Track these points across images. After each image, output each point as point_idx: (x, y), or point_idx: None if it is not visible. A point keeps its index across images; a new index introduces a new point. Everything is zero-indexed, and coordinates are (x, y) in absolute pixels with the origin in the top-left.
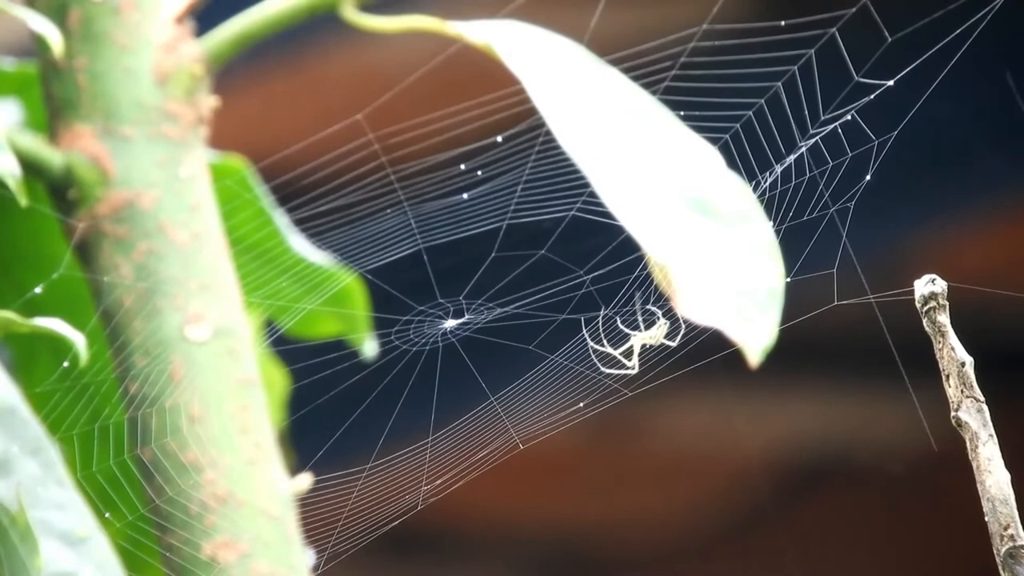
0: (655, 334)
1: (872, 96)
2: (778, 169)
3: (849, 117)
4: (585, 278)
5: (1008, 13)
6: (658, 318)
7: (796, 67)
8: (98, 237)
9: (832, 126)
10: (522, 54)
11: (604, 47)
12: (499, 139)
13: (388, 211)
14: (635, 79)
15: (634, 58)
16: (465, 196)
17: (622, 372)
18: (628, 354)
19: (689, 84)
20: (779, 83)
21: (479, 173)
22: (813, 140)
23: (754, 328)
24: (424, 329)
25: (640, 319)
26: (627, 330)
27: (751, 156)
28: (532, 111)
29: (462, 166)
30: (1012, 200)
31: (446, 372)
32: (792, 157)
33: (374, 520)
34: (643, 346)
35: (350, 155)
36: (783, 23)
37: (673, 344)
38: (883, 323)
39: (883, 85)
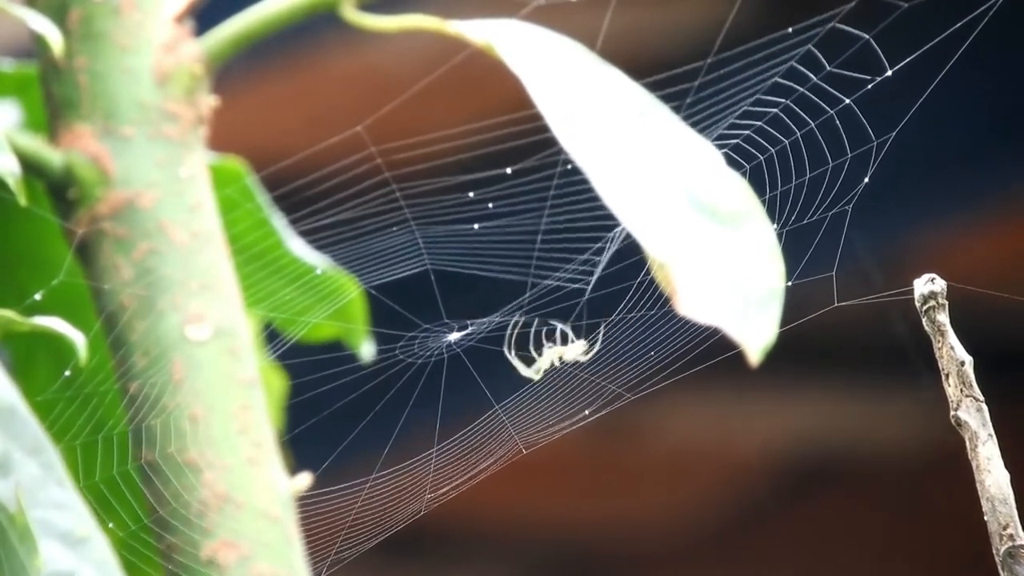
0: (569, 350)
1: (869, 87)
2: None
3: (849, 101)
4: (584, 286)
5: (1010, 10)
6: (570, 337)
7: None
8: (98, 237)
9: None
10: (523, 53)
11: (607, 47)
12: (508, 171)
13: (394, 228)
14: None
15: (637, 69)
16: (476, 227)
17: (526, 375)
18: (531, 361)
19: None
20: (785, 97)
21: (490, 206)
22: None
23: (754, 327)
24: (428, 343)
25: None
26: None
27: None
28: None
29: (471, 194)
30: (1012, 199)
31: (451, 382)
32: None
33: (378, 528)
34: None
35: (352, 168)
36: (790, 29)
37: (585, 359)
38: (883, 323)
39: (880, 77)
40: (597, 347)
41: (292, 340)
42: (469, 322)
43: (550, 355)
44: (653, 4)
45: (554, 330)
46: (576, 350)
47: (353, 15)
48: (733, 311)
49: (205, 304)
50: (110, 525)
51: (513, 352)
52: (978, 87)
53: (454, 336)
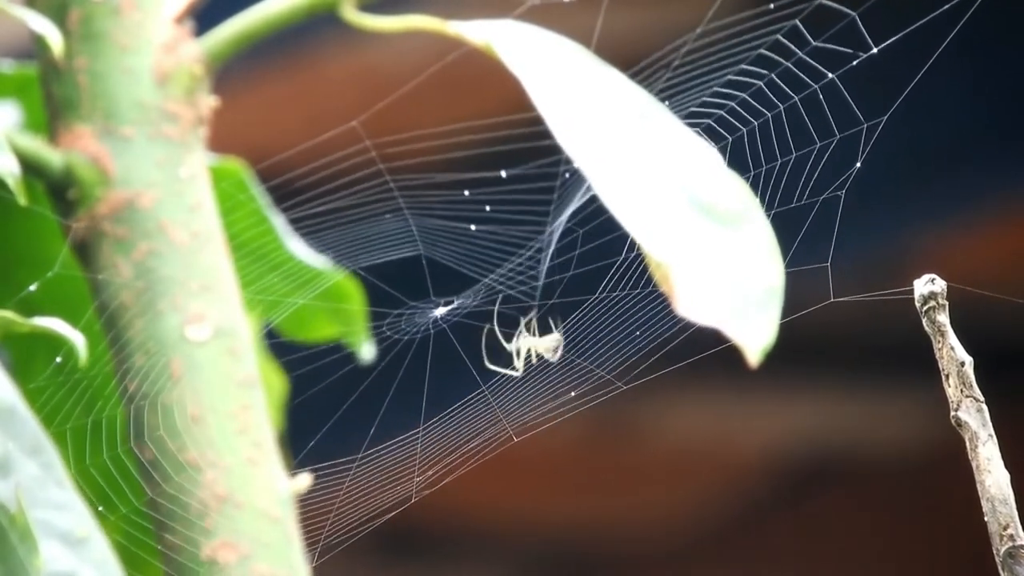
0: (542, 343)
1: (855, 63)
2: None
3: (831, 76)
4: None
5: (1011, 10)
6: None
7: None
8: (98, 237)
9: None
10: (522, 54)
11: (607, 48)
12: (503, 174)
13: (387, 216)
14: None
15: (631, 63)
16: (472, 227)
17: (506, 372)
18: (512, 358)
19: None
20: (771, 72)
21: (487, 208)
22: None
23: (753, 328)
24: (415, 319)
25: (530, 326)
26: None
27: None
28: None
29: (466, 192)
30: (1012, 199)
31: (437, 361)
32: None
33: (367, 512)
34: (533, 353)
35: (348, 159)
36: (772, 5)
37: (554, 358)
38: (882, 323)
39: (865, 54)
40: (559, 353)
41: (278, 334)
42: (455, 298)
43: (523, 344)
44: (651, 4)
45: (528, 319)
46: (549, 343)
47: (353, 15)
48: (732, 312)
49: (205, 304)
50: (100, 508)
51: (489, 354)
52: (978, 87)
53: (440, 311)
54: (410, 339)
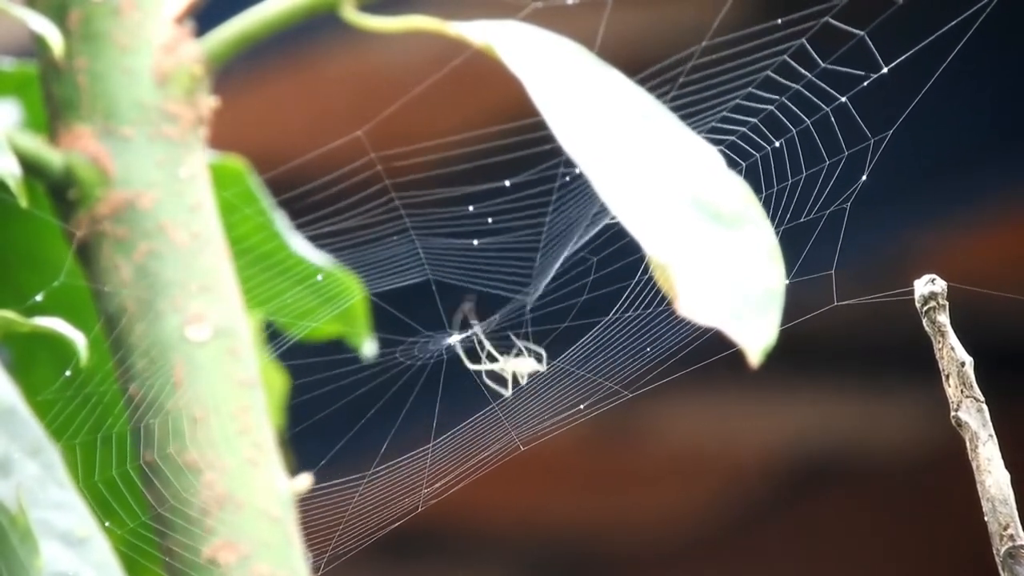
0: (522, 365)
1: (865, 83)
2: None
3: (843, 100)
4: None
5: (1011, 10)
6: (522, 352)
7: (787, 56)
8: (98, 238)
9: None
10: (523, 55)
11: (609, 51)
12: (507, 183)
13: (395, 237)
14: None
15: (633, 67)
16: (475, 243)
17: (501, 389)
18: (502, 378)
19: (687, 90)
20: (780, 94)
21: (490, 221)
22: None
23: (755, 329)
24: (428, 346)
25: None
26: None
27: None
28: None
29: (470, 207)
30: (1012, 199)
31: (449, 378)
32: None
33: (375, 523)
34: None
35: (352, 176)
36: (780, 21)
37: (542, 368)
38: (883, 323)
39: (876, 75)
40: (543, 366)
41: (293, 340)
42: (472, 321)
43: (506, 366)
44: (653, 6)
45: (511, 343)
46: (527, 365)
47: (353, 16)
48: (733, 313)
49: (205, 305)
50: (107, 524)
51: (482, 362)
52: (979, 87)
53: (453, 339)
54: (423, 363)
